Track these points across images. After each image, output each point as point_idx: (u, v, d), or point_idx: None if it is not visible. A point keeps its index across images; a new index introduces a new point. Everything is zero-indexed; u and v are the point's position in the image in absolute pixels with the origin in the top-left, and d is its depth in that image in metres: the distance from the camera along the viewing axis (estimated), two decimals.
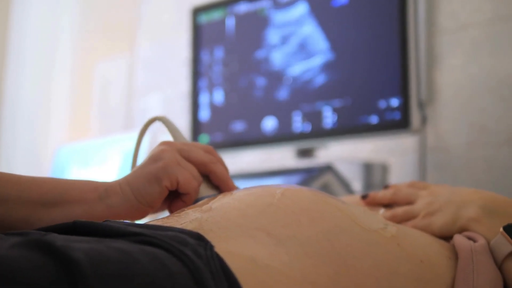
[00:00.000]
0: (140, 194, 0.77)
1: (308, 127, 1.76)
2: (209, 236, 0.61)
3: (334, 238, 0.67)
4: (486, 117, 1.73)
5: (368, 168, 1.75)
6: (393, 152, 1.88)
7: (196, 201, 0.81)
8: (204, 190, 0.83)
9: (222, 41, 1.97)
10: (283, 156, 2.07)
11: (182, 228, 0.62)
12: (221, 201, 0.72)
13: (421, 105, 1.60)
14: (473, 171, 1.74)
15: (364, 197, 0.96)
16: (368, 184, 1.73)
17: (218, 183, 0.84)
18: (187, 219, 0.67)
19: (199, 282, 0.52)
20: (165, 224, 0.66)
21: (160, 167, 0.77)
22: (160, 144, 0.82)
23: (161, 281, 0.50)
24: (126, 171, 2.18)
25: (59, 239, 0.53)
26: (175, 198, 0.82)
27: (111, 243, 0.54)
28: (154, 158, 0.79)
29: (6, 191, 0.71)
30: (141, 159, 0.88)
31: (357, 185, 1.75)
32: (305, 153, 1.84)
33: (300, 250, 0.63)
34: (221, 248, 0.59)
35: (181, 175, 0.78)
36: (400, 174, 1.82)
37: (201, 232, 0.62)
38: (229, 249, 0.60)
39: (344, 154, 1.96)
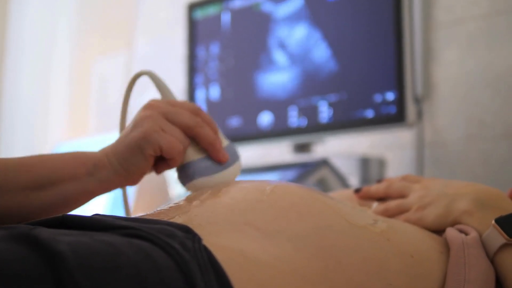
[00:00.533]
0: (126, 164, 0.77)
1: (304, 122, 1.76)
2: (198, 230, 0.61)
3: (323, 233, 0.67)
4: (483, 111, 1.73)
5: (365, 163, 1.74)
6: (390, 147, 1.88)
7: (184, 166, 0.81)
8: (192, 153, 0.81)
9: (218, 36, 1.97)
10: (280, 151, 2.07)
11: (171, 221, 0.62)
12: (210, 196, 0.72)
13: (417, 99, 1.60)
14: (470, 166, 1.74)
15: (357, 191, 0.96)
16: (365, 179, 1.73)
17: (205, 146, 0.81)
18: (176, 213, 0.67)
19: (186, 274, 0.52)
20: (155, 218, 0.66)
21: (141, 136, 0.76)
22: (144, 108, 0.80)
23: (147, 273, 0.50)
24: None
25: (45, 232, 0.53)
26: (160, 161, 0.81)
27: (98, 236, 0.54)
28: (135, 125, 0.78)
29: None
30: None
31: (354, 180, 1.75)
32: (302, 148, 1.84)
33: (289, 244, 0.63)
34: (210, 242, 0.59)
35: (163, 142, 0.77)
36: (398, 169, 1.82)
37: (190, 226, 0.62)
38: (219, 243, 0.60)
39: (341, 149, 1.96)
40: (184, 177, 0.82)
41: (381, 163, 1.77)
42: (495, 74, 1.71)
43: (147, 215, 0.69)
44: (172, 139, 0.77)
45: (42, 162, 0.75)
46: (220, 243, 0.60)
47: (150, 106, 0.80)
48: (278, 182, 0.75)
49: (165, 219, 0.65)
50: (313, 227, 0.67)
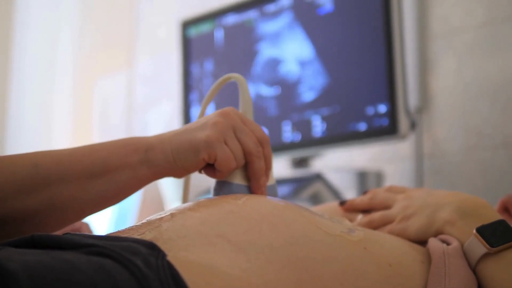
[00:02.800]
0: (178, 158, 0.77)
1: (298, 137, 1.75)
2: (168, 245, 0.60)
3: (297, 243, 0.66)
4: (481, 121, 1.72)
5: (363, 177, 1.74)
6: (389, 160, 1.87)
7: (224, 182, 0.81)
8: (238, 175, 0.81)
9: (212, 53, 1.97)
10: (279, 166, 2.06)
11: (137, 238, 0.62)
12: (182, 210, 0.71)
13: (408, 111, 1.59)
14: (469, 176, 1.73)
15: (342, 203, 0.95)
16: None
17: (251, 177, 0.81)
18: (146, 228, 0.66)
19: None
20: (125, 234, 0.66)
21: (204, 139, 0.76)
22: (218, 113, 0.79)
23: None
24: None
25: (4, 253, 0.52)
26: (209, 165, 0.80)
27: (58, 254, 0.54)
28: (203, 126, 0.78)
29: (48, 173, 0.71)
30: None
31: (352, 194, 1.74)
32: (300, 163, 1.83)
33: (261, 256, 0.63)
34: (179, 257, 0.59)
35: (220, 153, 0.77)
36: (397, 182, 1.81)
37: (160, 241, 0.61)
38: (188, 258, 0.60)
39: (340, 163, 1.95)
40: (218, 191, 0.82)
41: (379, 177, 1.76)
42: (492, 84, 1.71)
43: (118, 231, 0.69)
44: (230, 155, 0.77)
45: (94, 151, 0.75)
46: (188, 258, 0.59)
47: (225, 113, 0.79)
48: (251, 195, 0.75)
49: (136, 235, 0.65)
50: (286, 238, 0.66)
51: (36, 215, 0.71)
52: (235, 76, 0.87)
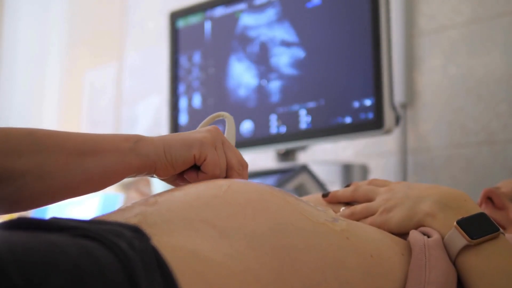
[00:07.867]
0: (169, 152, 0.79)
1: (283, 129, 1.76)
2: (152, 229, 0.61)
3: (280, 230, 0.67)
4: (466, 117, 1.73)
5: (347, 170, 1.75)
6: (374, 154, 1.89)
7: None
8: None
9: (200, 45, 1.97)
10: (266, 158, 2.06)
11: (122, 222, 0.62)
12: (168, 195, 0.72)
13: (393, 105, 1.60)
14: (453, 172, 1.74)
15: (325, 195, 0.96)
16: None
17: None
18: (132, 213, 0.67)
19: (130, 273, 0.52)
20: (110, 218, 0.66)
21: (197, 139, 0.80)
22: (211, 127, 0.85)
23: (87, 271, 0.50)
24: None
25: None
26: (193, 170, 0.83)
27: (43, 236, 0.54)
28: (198, 131, 0.83)
29: (44, 142, 0.73)
30: None
31: (337, 187, 1.75)
32: (286, 155, 1.83)
33: (244, 242, 0.63)
34: (163, 241, 0.59)
35: (211, 155, 0.80)
36: (381, 176, 1.82)
37: (145, 225, 0.62)
38: (171, 242, 0.60)
39: (326, 156, 1.96)
40: None
41: (364, 170, 1.77)
42: (478, 81, 1.72)
43: (103, 216, 0.70)
44: (218, 160, 0.81)
45: (89, 135, 0.78)
46: (171, 242, 0.60)
47: (216, 128, 0.85)
48: (236, 179, 0.75)
49: (120, 219, 0.65)
50: (270, 225, 0.67)
51: (20, 178, 0.72)
52: (225, 115, 0.94)
